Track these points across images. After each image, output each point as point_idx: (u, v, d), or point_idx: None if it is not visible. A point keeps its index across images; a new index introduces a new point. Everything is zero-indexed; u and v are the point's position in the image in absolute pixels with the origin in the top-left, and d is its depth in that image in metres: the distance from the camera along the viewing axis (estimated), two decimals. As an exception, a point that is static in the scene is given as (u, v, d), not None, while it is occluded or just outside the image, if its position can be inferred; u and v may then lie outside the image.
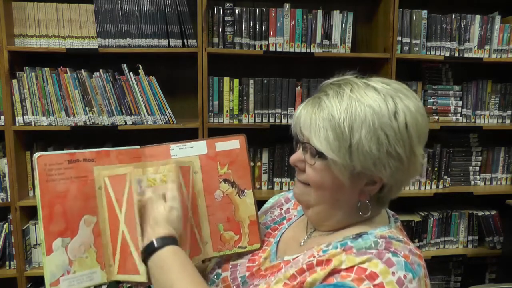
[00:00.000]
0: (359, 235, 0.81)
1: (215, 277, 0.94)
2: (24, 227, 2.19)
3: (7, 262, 2.21)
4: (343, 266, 0.74)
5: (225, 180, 0.95)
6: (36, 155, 0.82)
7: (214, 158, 0.94)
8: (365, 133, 0.75)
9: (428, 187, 2.48)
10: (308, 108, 0.81)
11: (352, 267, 0.73)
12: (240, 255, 0.96)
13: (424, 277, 0.77)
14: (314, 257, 0.79)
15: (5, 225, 2.20)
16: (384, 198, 0.84)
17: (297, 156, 0.85)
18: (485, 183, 2.57)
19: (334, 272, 0.74)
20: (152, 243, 0.78)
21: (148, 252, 0.78)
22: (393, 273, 0.71)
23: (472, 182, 2.55)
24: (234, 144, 0.96)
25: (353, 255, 0.75)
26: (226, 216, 0.95)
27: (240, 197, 0.96)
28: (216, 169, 0.95)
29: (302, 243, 0.90)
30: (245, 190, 0.96)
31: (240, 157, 0.95)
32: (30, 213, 2.24)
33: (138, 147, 0.93)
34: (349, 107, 0.76)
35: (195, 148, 0.94)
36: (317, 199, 0.84)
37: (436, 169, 2.47)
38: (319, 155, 0.78)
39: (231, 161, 0.95)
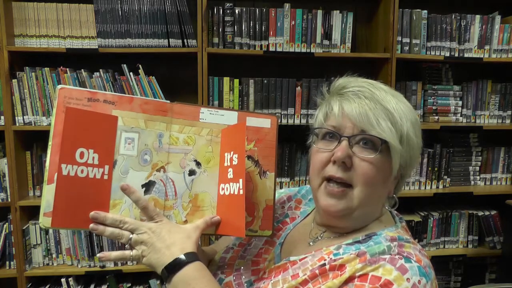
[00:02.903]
0: (368, 236, 0.81)
1: (218, 282, 0.90)
2: (24, 227, 2.19)
3: (7, 262, 2.22)
4: (357, 274, 0.73)
5: (249, 157, 0.90)
6: (59, 86, 0.81)
7: None
8: (409, 125, 0.81)
9: (428, 187, 2.48)
10: (351, 103, 0.80)
11: (366, 275, 0.73)
12: (243, 258, 0.93)
13: (434, 279, 0.77)
14: (325, 260, 0.79)
15: (5, 225, 2.20)
16: (396, 192, 0.88)
17: (346, 151, 0.80)
18: (485, 183, 2.57)
19: (348, 281, 0.73)
20: (178, 258, 0.77)
21: (173, 268, 0.76)
22: (407, 279, 0.71)
23: (472, 182, 2.55)
24: (265, 122, 0.92)
25: (367, 262, 0.74)
26: None
27: (260, 178, 0.91)
28: None
29: (311, 243, 0.89)
30: (267, 172, 0.91)
31: (268, 137, 0.91)
32: (30, 213, 2.24)
33: (168, 101, 0.89)
34: (392, 101, 0.81)
35: (226, 117, 0.90)
36: (362, 198, 0.81)
37: (436, 169, 2.47)
38: (383, 143, 0.79)
39: (258, 139, 0.91)
